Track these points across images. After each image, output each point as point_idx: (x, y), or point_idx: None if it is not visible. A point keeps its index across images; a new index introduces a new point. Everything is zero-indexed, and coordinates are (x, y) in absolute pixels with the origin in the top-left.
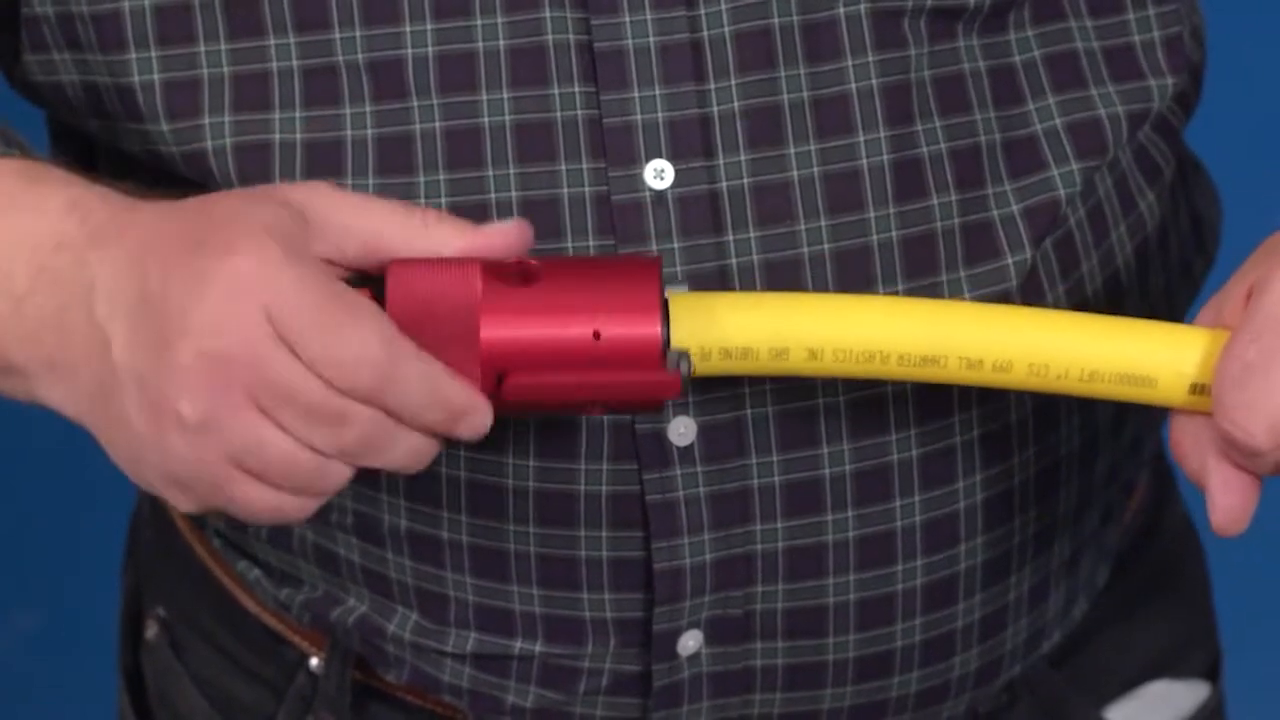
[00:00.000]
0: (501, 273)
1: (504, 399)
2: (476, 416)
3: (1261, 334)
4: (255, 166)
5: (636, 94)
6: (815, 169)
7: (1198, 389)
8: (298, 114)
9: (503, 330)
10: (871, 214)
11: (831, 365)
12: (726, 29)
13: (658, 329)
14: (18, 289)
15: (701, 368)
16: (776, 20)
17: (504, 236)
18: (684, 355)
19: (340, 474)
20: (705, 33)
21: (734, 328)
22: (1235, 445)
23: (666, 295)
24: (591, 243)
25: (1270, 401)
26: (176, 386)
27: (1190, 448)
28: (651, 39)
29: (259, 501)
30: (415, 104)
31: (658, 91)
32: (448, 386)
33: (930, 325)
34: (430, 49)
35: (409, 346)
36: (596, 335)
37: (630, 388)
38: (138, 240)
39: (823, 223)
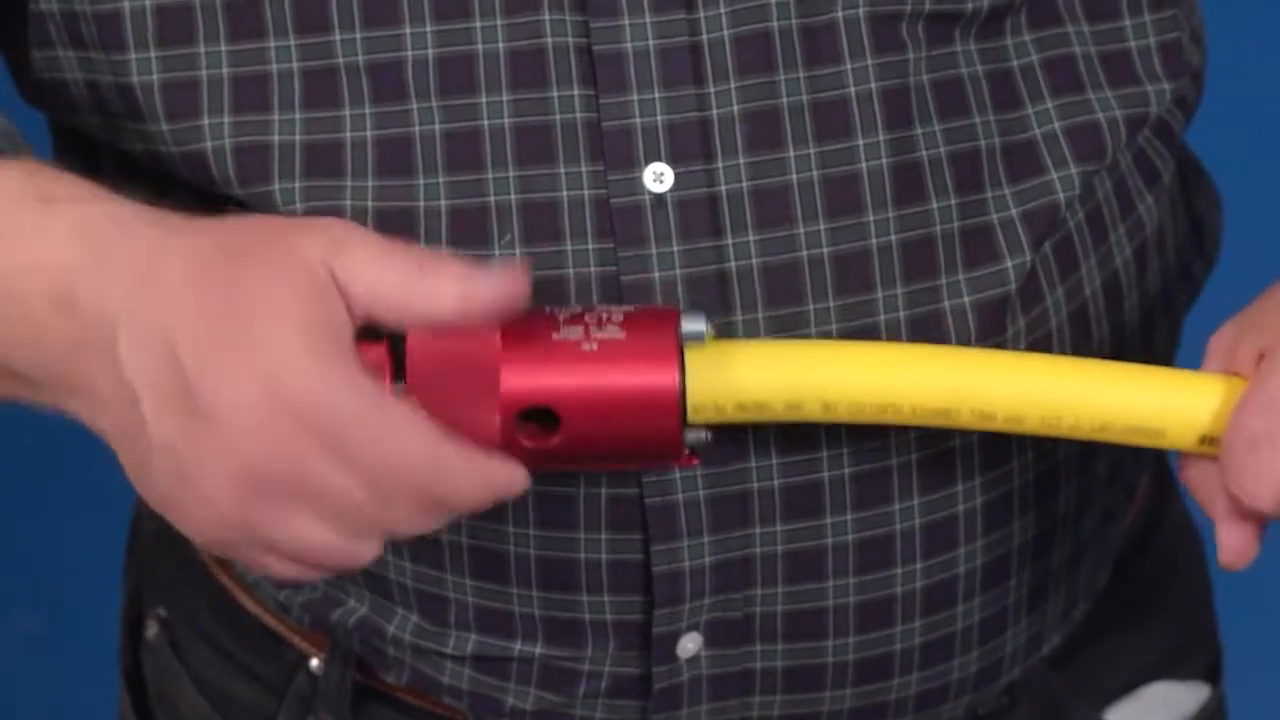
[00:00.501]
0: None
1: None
2: (516, 487)
3: (1271, 406)
4: (255, 168)
5: (636, 97)
6: (814, 172)
7: (1207, 440)
8: (297, 115)
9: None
10: (870, 217)
11: (845, 415)
12: (725, 32)
13: (681, 452)
14: (35, 315)
15: (716, 418)
16: (775, 24)
17: (497, 298)
18: (700, 436)
19: (371, 550)
20: (704, 36)
21: (750, 384)
22: (1242, 506)
23: (684, 350)
24: (591, 245)
25: (1276, 473)
26: (211, 484)
27: (1199, 481)
28: (651, 42)
29: (282, 572)
30: (415, 106)
31: (657, 95)
32: (495, 471)
33: (944, 378)
34: (430, 51)
35: (450, 443)
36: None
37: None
38: (161, 302)
39: (822, 226)
